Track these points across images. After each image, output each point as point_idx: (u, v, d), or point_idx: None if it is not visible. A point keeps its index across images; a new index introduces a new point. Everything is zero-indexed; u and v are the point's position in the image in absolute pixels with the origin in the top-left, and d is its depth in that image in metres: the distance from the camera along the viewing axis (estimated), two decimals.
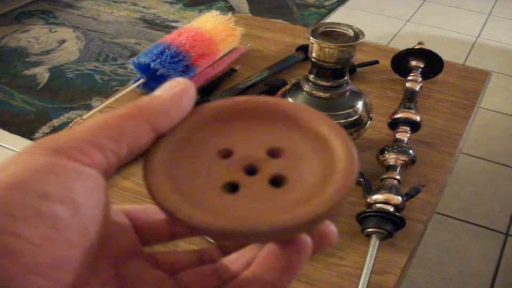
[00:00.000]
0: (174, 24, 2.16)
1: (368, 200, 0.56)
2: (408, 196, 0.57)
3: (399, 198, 0.55)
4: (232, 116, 0.24)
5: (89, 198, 0.18)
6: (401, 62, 0.80)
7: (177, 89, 0.22)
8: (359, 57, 0.85)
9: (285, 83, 0.75)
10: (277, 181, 0.21)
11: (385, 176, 0.59)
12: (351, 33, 0.55)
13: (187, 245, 0.52)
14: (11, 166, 0.18)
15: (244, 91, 0.76)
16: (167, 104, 0.22)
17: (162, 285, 0.22)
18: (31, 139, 1.49)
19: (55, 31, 2.08)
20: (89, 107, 1.62)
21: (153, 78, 0.74)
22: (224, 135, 0.23)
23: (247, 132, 0.23)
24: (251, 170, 0.22)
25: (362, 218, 0.55)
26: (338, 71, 0.56)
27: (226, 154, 0.22)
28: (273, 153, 0.22)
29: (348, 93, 0.58)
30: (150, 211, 0.24)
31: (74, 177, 0.18)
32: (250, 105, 0.24)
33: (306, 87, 0.57)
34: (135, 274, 0.22)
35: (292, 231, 0.19)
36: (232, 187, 0.21)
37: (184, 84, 0.23)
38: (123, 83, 1.71)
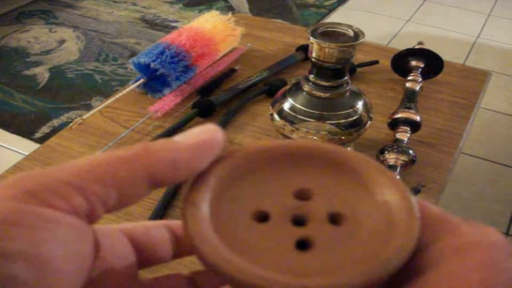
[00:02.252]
0: (174, 24, 2.16)
1: None
2: None
3: None
4: (276, 163, 0.22)
5: (61, 251, 0.16)
6: (401, 62, 0.80)
7: (201, 138, 0.20)
8: (359, 57, 0.85)
9: (285, 83, 0.75)
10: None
11: None
12: (351, 33, 0.55)
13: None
14: None
15: (244, 91, 0.76)
16: (179, 155, 0.19)
17: None
18: (31, 139, 1.49)
19: (55, 31, 2.08)
20: (89, 107, 1.62)
21: (153, 78, 0.74)
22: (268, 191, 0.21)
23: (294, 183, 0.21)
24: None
25: None
26: (338, 71, 0.56)
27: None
28: (333, 218, 0.21)
29: (348, 93, 0.58)
30: (152, 230, 0.23)
31: (44, 227, 0.16)
32: (292, 150, 0.22)
33: (306, 87, 0.57)
34: None
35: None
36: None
37: (212, 132, 0.20)
38: (123, 83, 1.71)
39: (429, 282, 0.18)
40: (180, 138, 0.20)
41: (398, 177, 0.21)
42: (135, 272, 0.22)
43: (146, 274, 0.23)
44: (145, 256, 0.22)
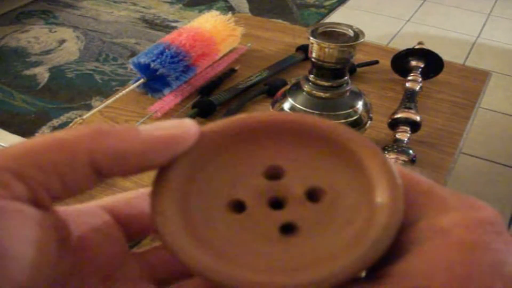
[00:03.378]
0: (174, 24, 2.16)
1: None
2: None
3: None
4: (257, 135, 0.21)
5: (9, 237, 0.15)
6: (401, 62, 0.80)
7: (169, 132, 0.18)
8: (359, 57, 0.85)
9: (285, 83, 0.75)
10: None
11: None
12: (351, 33, 0.55)
13: None
14: None
15: (244, 91, 0.76)
16: (132, 146, 0.17)
17: None
18: None
19: (55, 31, 2.08)
20: (89, 107, 1.62)
21: (153, 78, 0.74)
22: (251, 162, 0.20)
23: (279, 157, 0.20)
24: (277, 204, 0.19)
25: None
26: (338, 71, 0.56)
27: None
28: (311, 195, 0.20)
29: (348, 93, 0.58)
30: (134, 200, 0.22)
31: None
32: (279, 123, 0.21)
33: (306, 87, 0.57)
34: None
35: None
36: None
37: (184, 128, 0.19)
38: (123, 83, 1.71)
39: (411, 263, 0.17)
40: (147, 128, 0.18)
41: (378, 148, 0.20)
42: (124, 246, 0.21)
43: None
44: (131, 228, 0.22)
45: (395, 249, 0.18)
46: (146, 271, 0.21)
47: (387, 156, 0.61)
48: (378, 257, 0.18)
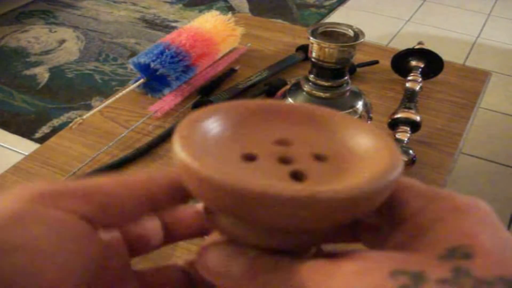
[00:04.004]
0: (174, 24, 2.16)
1: None
2: None
3: None
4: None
5: (59, 244, 0.18)
6: (401, 62, 0.80)
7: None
8: (359, 57, 0.85)
9: (285, 83, 0.75)
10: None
11: None
12: (351, 33, 0.55)
13: (182, 249, 0.52)
14: None
15: (244, 91, 0.76)
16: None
17: None
18: (31, 139, 1.49)
19: (55, 31, 2.08)
20: (89, 107, 1.62)
21: (153, 78, 0.74)
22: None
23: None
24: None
25: None
26: (338, 71, 0.56)
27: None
28: (318, 157, 0.21)
29: (348, 93, 0.58)
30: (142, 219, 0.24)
31: (42, 223, 0.18)
32: (277, 107, 0.23)
33: (306, 87, 0.57)
34: None
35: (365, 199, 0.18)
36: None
37: None
38: (123, 83, 1.71)
39: (444, 227, 0.18)
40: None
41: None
42: (127, 262, 0.23)
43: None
44: (136, 245, 0.23)
45: (419, 225, 0.19)
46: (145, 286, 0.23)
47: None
48: (390, 186, 0.19)
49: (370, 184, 0.18)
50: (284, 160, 0.21)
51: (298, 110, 0.24)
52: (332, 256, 0.18)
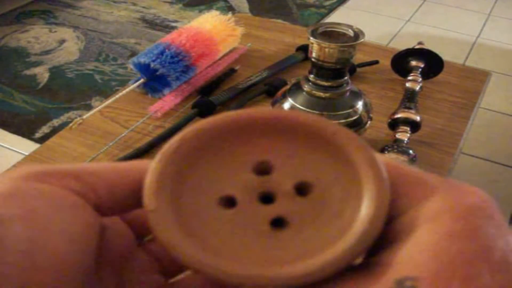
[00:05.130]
0: (174, 24, 2.16)
1: None
2: None
3: None
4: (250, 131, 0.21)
5: (56, 217, 0.18)
6: (401, 62, 0.80)
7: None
8: (359, 57, 0.85)
9: (285, 83, 0.75)
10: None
11: None
12: (351, 33, 0.55)
13: None
14: None
15: (244, 91, 0.76)
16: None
17: None
18: (31, 139, 1.49)
19: (55, 31, 2.08)
20: (89, 107, 1.62)
21: (153, 78, 0.74)
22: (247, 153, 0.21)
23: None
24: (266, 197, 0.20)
25: None
26: (338, 71, 0.56)
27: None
28: (300, 189, 0.20)
29: (348, 93, 0.58)
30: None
31: (38, 197, 0.18)
32: (269, 118, 0.21)
33: (306, 87, 0.57)
34: (135, 280, 0.22)
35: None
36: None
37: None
38: (123, 83, 1.71)
39: (399, 252, 0.17)
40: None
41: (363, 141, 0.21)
42: (133, 240, 0.23)
43: None
44: (141, 231, 0.23)
45: (385, 239, 0.18)
46: (154, 263, 0.23)
47: (386, 155, 0.61)
48: (365, 248, 0.18)
49: (344, 257, 0.18)
50: (265, 198, 0.20)
51: (279, 121, 0.21)
52: None
